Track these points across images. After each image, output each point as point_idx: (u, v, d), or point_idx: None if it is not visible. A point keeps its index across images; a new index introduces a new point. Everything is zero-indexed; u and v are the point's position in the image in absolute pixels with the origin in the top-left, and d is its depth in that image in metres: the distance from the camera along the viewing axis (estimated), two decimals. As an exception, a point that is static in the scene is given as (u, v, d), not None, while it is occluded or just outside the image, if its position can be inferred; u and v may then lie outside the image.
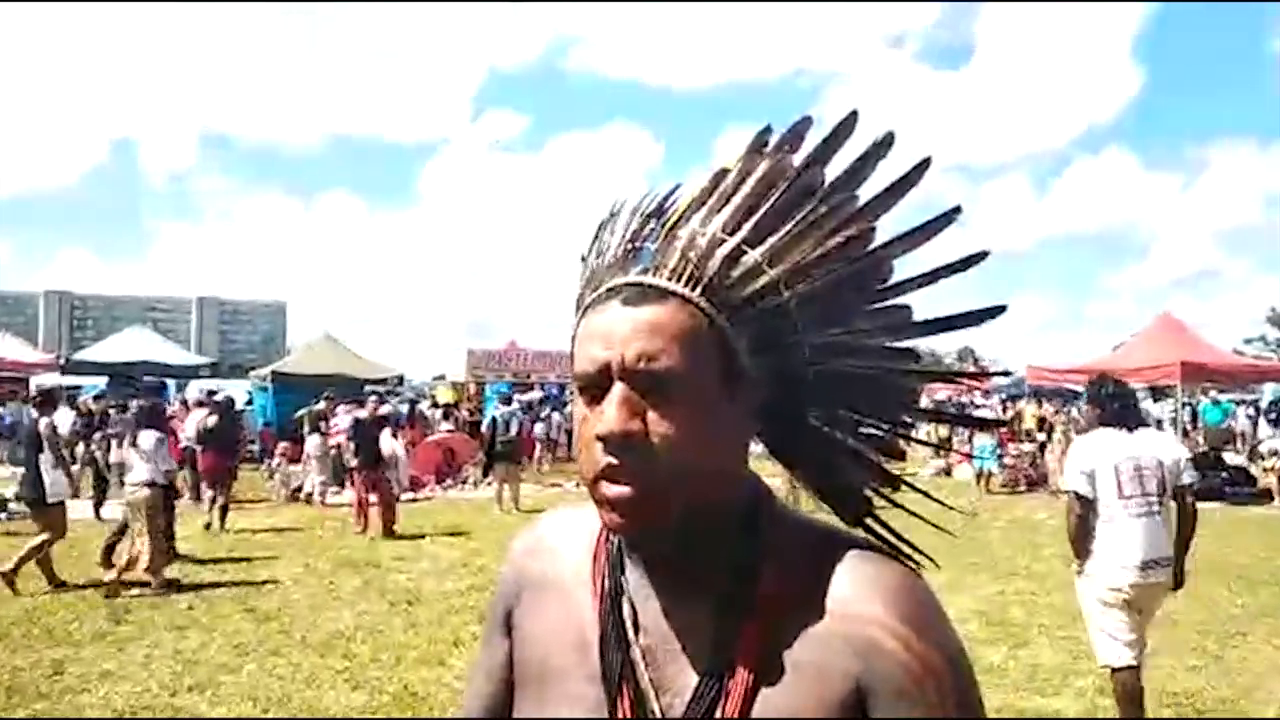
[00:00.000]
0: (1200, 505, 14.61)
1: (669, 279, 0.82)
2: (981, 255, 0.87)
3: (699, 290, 0.81)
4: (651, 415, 0.79)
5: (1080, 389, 26.99)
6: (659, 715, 0.82)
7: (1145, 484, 4.25)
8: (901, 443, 0.93)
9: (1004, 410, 19.13)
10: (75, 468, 14.24)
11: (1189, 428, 20.21)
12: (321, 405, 15.35)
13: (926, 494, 0.97)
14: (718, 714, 0.79)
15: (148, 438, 8.20)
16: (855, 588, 0.81)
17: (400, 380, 22.49)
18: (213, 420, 12.08)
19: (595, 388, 0.81)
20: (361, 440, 11.71)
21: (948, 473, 17.67)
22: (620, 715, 0.84)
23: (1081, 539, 4.37)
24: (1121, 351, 17.54)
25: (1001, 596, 7.75)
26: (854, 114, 0.87)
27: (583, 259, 0.92)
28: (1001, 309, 0.88)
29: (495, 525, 11.64)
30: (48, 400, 8.83)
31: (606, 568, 0.90)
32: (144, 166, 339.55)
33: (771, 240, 0.83)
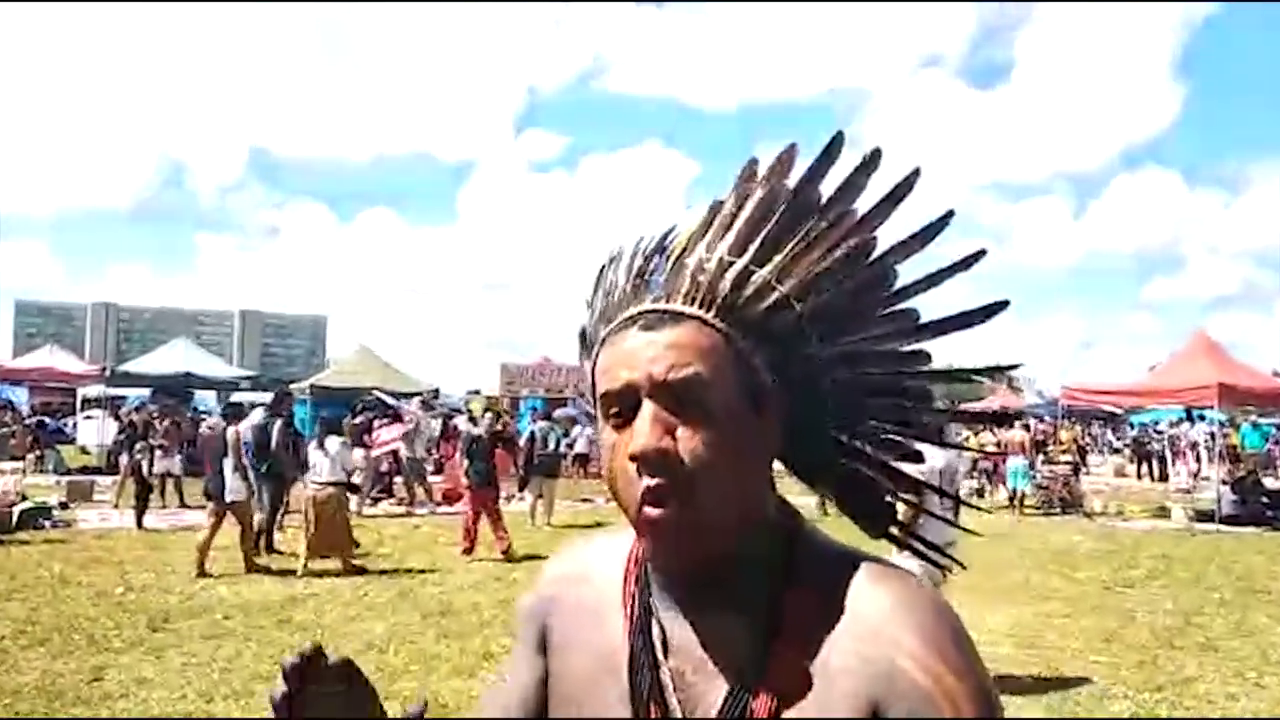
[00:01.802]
0: (1240, 530, 14.44)
1: (683, 303, 0.84)
2: (979, 254, 0.89)
3: (713, 312, 0.83)
4: (683, 432, 0.80)
5: (1116, 410, 26.38)
6: None
7: (953, 483, 5.38)
8: (917, 445, 0.93)
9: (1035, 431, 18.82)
10: (119, 477, 14.67)
11: (1237, 451, 19.78)
12: (360, 419, 15.53)
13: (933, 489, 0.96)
14: None
15: (333, 443, 9.61)
16: (880, 610, 0.80)
17: (435, 394, 22.66)
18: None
19: (622, 411, 0.82)
20: (476, 458, 11.15)
21: (981, 494, 17.52)
22: None
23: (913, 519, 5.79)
24: (1157, 373, 17.24)
25: (1035, 619, 7.65)
26: (840, 135, 0.89)
27: (588, 303, 0.95)
28: (1004, 305, 0.89)
29: (528, 539, 11.69)
30: (237, 412, 10.24)
31: (637, 591, 0.91)
32: (192, 184, 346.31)
33: (777, 258, 0.85)
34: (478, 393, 26.34)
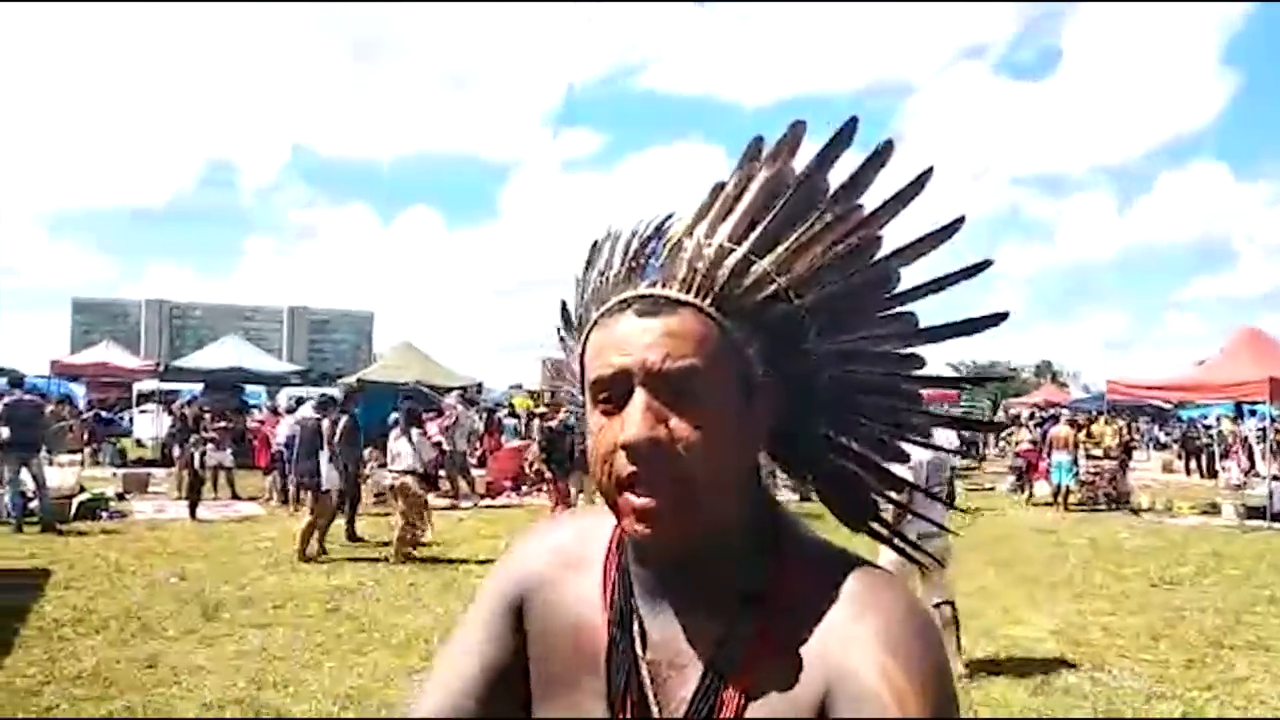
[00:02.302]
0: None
1: (680, 290, 0.81)
2: (984, 264, 0.87)
3: (710, 300, 0.81)
4: (674, 421, 0.78)
5: (1164, 405, 25.58)
6: None
7: (939, 474, 5.73)
8: (904, 446, 0.93)
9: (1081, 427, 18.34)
10: (174, 469, 15.03)
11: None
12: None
13: (922, 487, 0.99)
14: None
15: (414, 434, 10.15)
16: (846, 606, 0.80)
17: (479, 388, 22.85)
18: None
19: (613, 398, 0.80)
20: (555, 450, 11.44)
21: (1020, 489, 17.22)
22: None
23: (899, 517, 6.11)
24: (1206, 367, 16.84)
25: (1080, 617, 7.54)
26: (853, 120, 0.86)
27: (578, 280, 0.93)
28: (1003, 316, 0.88)
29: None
30: (330, 404, 10.93)
31: (616, 582, 0.89)
32: (239, 183, 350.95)
33: (779, 249, 0.83)
34: (520, 387, 26.59)
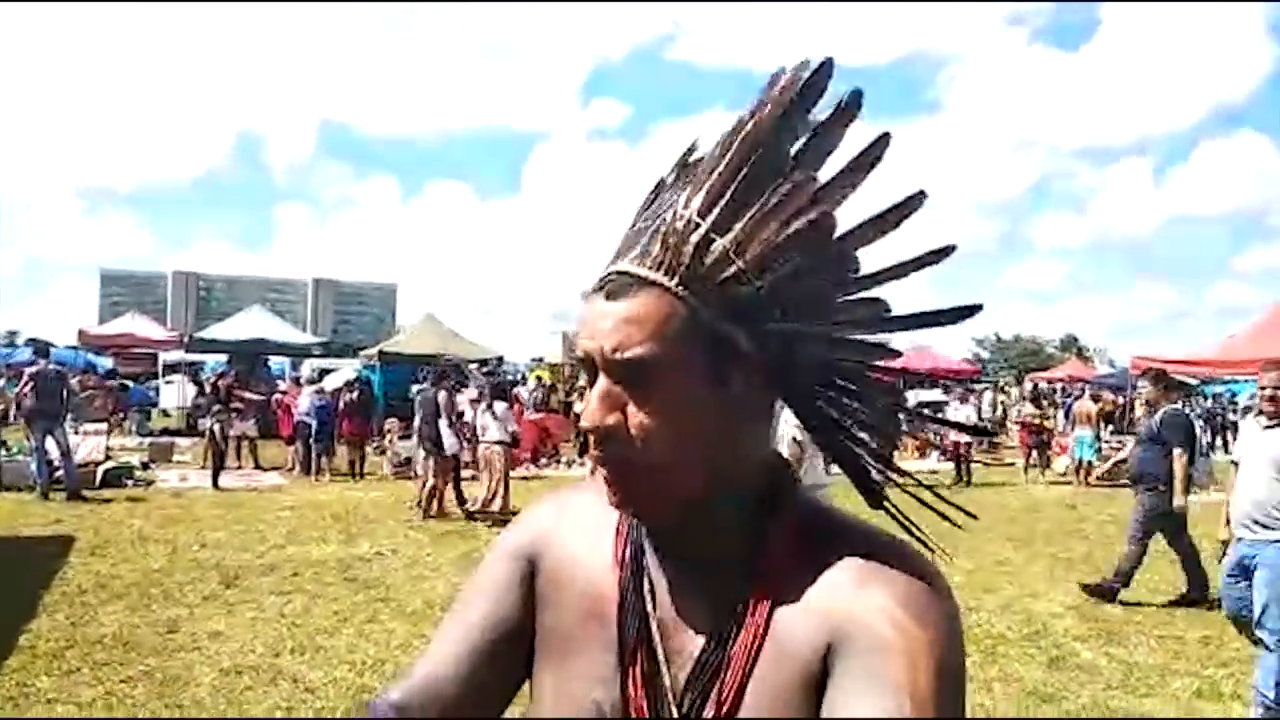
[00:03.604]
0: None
1: (650, 267, 0.80)
2: (948, 249, 0.83)
3: (676, 280, 0.80)
4: (631, 408, 0.80)
5: (1191, 381, 25.13)
6: (667, 685, 0.84)
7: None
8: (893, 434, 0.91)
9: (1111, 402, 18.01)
10: (203, 440, 15.18)
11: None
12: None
13: (926, 486, 0.98)
14: (718, 684, 0.82)
15: (500, 407, 10.80)
16: (855, 570, 0.81)
17: (500, 361, 22.91)
18: (353, 395, 15.51)
19: (588, 377, 0.85)
20: None
21: (1031, 466, 16.92)
22: (632, 682, 0.85)
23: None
24: (1234, 342, 16.50)
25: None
26: (829, 60, 0.82)
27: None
28: (977, 308, 0.85)
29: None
30: (445, 376, 11.61)
31: (628, 540, 0.92)
32: (268, 157, 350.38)
33: (737, 227, 0.80)
34: (540, 360, 26.63)
